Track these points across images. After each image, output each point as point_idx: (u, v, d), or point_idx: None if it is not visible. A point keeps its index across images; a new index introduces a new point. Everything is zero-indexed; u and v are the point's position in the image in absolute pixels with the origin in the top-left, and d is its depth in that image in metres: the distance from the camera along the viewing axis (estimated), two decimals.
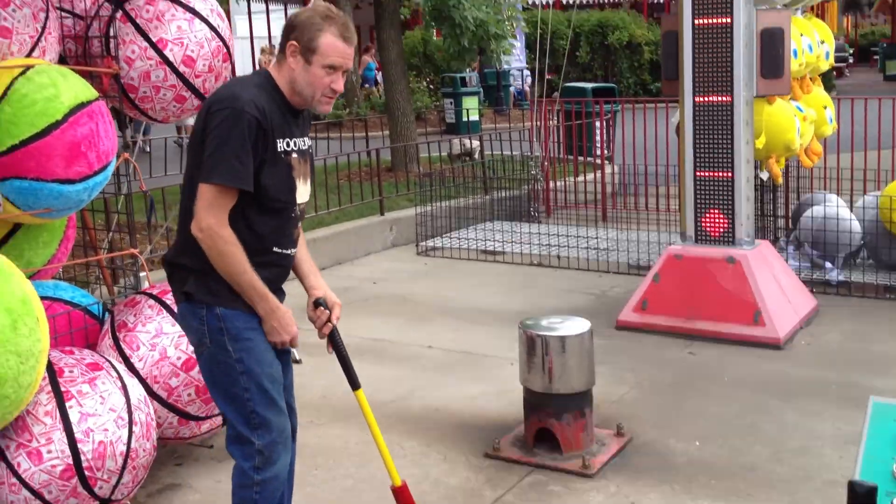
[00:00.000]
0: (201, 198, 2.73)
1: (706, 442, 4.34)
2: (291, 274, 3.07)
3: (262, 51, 22.98)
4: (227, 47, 4.53)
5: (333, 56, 2.79)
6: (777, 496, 3.79)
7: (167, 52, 4.28)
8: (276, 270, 2.95)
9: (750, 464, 4.10)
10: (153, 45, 4.26)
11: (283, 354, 3.06)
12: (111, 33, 4.25)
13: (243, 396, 2.85)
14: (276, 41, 28.16)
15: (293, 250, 3.00)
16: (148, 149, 11.77)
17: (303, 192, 2.94)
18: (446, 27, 11.72)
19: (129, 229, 4.73)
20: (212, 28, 4.41)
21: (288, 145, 2.83)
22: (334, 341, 3.03)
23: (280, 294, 2.98)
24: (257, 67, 22.57)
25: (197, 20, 4.35)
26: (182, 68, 4.31)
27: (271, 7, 29.06)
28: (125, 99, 4.37)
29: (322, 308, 2.99)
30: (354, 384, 3.12)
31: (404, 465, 4.13)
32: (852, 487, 1.63)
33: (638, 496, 3.82)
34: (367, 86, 21.81)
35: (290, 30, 2.84)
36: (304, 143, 2.94)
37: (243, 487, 2.93)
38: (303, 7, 2.93)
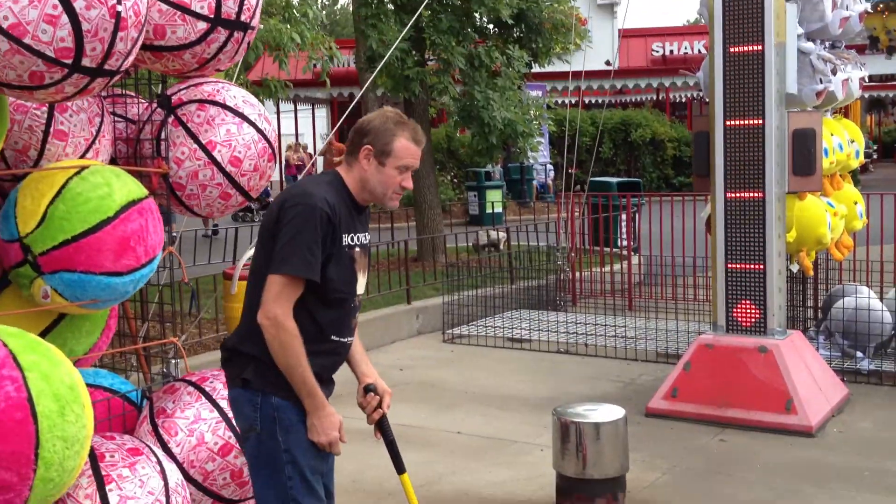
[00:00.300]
0: (270, 288, 2.84)
1: None
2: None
3: (289, 147, 23.57)
4: (273, 148, 4.73)
5: (406, 158, 2.97)
6: None
7: (215, 153, 4.48)
8: (333, 359, 3.06)
9: None
10: (202, 147, 4.46)
11: None
12: (162, 136, 4.46)
13: (286, 484, 2.92)
14: (303, 138, 28.78)
15: (350, 339, 3.12)
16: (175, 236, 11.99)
17: (361, 284, 3.08)
18: (475, 127, 12.01)
19: (164, 317, 4.84)
20: (259, 131, 4.61)
21: (352, 240, 2.97)
22: (382, 428, 3.09)
23: (331, 384, 3.07)
24: (283, 163, 23.13)
25: (245, 124, 4.55)
26: (229, 168, 4.50)
27: (299, 107, 29.88)
28: (172, 196, 4.56)
29: (372, 394, 3.06)
30: (400, 468, 3.18)
31: None
32: None
33: None
34: None
35: (363, 134, 2.99)
36: (366, 237, 3.09)
37: None
38: (368, 114, 3.10)
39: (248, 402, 2.95)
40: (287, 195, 2.96)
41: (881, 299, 7.38)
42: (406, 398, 6.73)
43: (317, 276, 2.85)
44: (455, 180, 22.23)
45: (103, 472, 3.65)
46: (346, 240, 2.94)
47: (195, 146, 4.49)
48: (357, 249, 3.00)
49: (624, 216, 11.41)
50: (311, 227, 2.83)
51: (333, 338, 3.00)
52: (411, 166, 3.00)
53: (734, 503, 4.61)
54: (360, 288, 3.08)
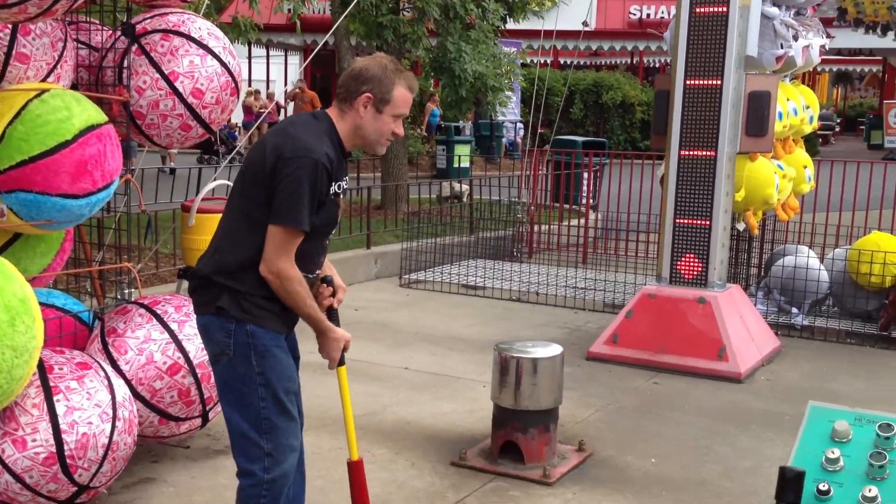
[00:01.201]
0: (272, 240, 2.95)
1: (662, 460, 4.56)
2: None
3: (249, 94, 23.60)
4: (236, 82, 4.81)
5: (403, 106, 3.07)
6: None
7: (177, 84, 4.56)
8: None
9: (701, 479, 4.31)
10: (165, 77, 4.54)
11: (295, 361, 3.27)
12: (125, 64, 4.54)
13: (258, 405, 3.03)
14: (275, 85, 28.47)
15: (318, 273, 3.24)
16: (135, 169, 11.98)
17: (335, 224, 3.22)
18: (445, 78, 12.07)
19: (120, 246, 4.96)
20: (222, 64, 4.69)
21: (339, 187, 3.08)
22: (330, 319, 3.23)
23: (295, 314, 3.15)
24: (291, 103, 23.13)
25: (209, 56, 4.63)
26: (191, 99, 4.59)
27: (272, 53, 29.65)
28: (132, 125, 4.65)
29: (326, 285, 3.22)
30: (340, 361, 3.26)
31: (373, 469, 4.32)
32: (782, 472, 1.83)
33: (592, 503, 4.02)
34: (430, 133, 22.23)
35: (361, 82, 3.01)
36: (346, 182, 3.19)
37: (251, 486, 3.06)
38: (360, 58, 3.13)
39: (220, 328, 3.02)
40: (287, 145, 2.94)
41: (821, 260, 7.65)
42: (359, 336, 6.90)
43: (308, 229, 2.96)
44: (425, 134, 22.30)
45: (51, 384, 3.82)
46: (335, 188, 3.04)
47: (157, 76, 4.58)
48: (341, 196, 3.12)
49: (587, 174, 11.60)
50: (312, 182, 2.91)
51: (301, 272, 3.07)
52: (405, 114, 3.10)
53: (660, 440, 4.86)
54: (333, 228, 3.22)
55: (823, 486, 1.82)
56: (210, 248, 3.15)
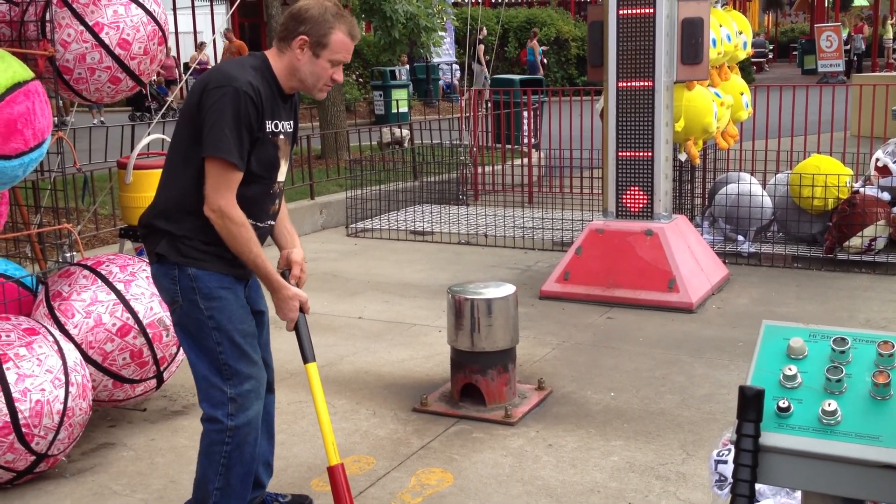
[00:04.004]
0: (209, 177, 2.86)
1: (620, 393, 4.61)
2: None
3: (225, 36, 23.03)
4: (163, 31, 4.65)
5: (342, 52, 2.97)
6: (683, 435, 4.07)
7: (103, 35, 4.41)
8: None
9: (660, 409, 4.37)
10: (89, 29, 4.38)
11: (259, 315, 3.22)
12: (47, 17, 4.36)
13: (215, 350, 2.98)
14: (202, 36, 27.84)
15: (270, 223, 3.16)
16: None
17: (283, 171, 3.11)
18: (377, 20, 11.88)
19: (58, 207, 4.81)
20: (147, 13, 4.53)
21: (276, 126, 2.97)
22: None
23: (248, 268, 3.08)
24: (220, 52, 22.60)
25: (133, 5, 4.47)
26: (118, 51, 4.44)
27: (197, 3, 28.85)
28: (60, 80, 4.49)
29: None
30: (306, 358, 3.15)
31: (334, 420, 4.30)
32: (742, 391, 1.83)
33: (555, 439, 4.06)
34: (534, 72, 22.03)
35: (299, 22, 2.92)
36: (290, 125, 3.09)
37: (215, 433, 3.02)
38: (305, 1, 2.97)
39: (165, 275, 3.00)
40: (209, 78, 2.91)
41: (764, 187, 7.74)
42: (310, 287, 6.77)
43: (242, 165, 2.88)
44: (360, 80, 22.00)
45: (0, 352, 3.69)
46: (270, 126, 2.94)
47: (81, 28, 4.41)
48: (281, 136, 3.01)
49: (526, 113, 11.55)
50: (236, 110, 2.82)
51: (250, 221, 2.99)
52: (344, 60, 3.00)
53: (617, 372, 4.91)
54: (282, 175, 3.11)
55: (783, 403, 1.84)
56: (154, 195, 3.11)
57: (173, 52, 23.05)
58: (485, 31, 23.65)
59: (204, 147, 2.85)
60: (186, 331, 3.04)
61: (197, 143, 2.88)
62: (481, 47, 23.14)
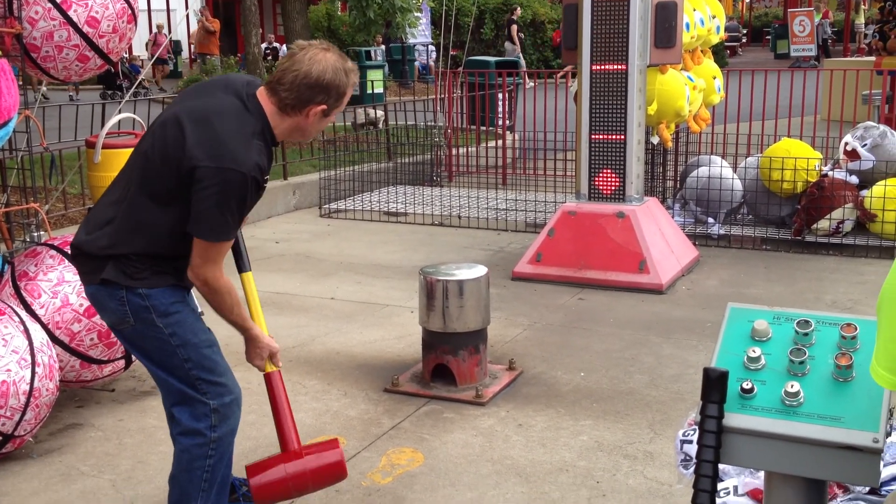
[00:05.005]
0: (198, 250, 2.73)
1: (590, 373, 4.64)
2: None
3: (201, 13, 22.77)
4: (132, 9, 4.59)
5: (345, 104, 2.88)
6: (651, 415, 4.11)
7: (71, 13, 4.35)
8: None
9: (629, 389, 4.41)
10: (57, 6, 4.32)
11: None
12: None
13: (185, 367, 2.87)
14: (175, 14, 27.54)
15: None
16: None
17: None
18: (352, 0, 11.78)
19: (25, 186, 4.75)
20: None
21: (266, 181, 2.82)
22: (240, 260, 3.15)
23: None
24: (195, 30, 22.30)
25: None
26: (86, 29, 4.38)
27: None
28: (27, 58, 4.42)
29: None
30: (243, 268, 3.15)
31: (305, 401, 4.30)
32: (706, 373, 1.85)
33: (525, 419, 4.08)
34: None
35: (317, 92, 2.76)
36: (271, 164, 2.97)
37: (197, 447, 2.92)
38: (315, 64, 2.76)
39: (110, 296, 2.82)
40: (211, 150, 2.67)
41: (734, 170, 7.80)
42: (281, 268, 6.83)
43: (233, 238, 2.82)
44: None
45: None
46: (262, 183, 2.80)
47: (49, 5, 4.36)
48: (265, 185, 2.87)
49: (501, 95, 11.53)
50: (241, 196, 2.71)
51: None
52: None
53: (587, 353, 4.94)
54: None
55: (747, 385, 1.86)
56: (100, 216, 2.86)
57: (165, 30, 22.80)
58: (518, 11, 23.73)
59: (197, 227, 2.70)
60: (147, 351, 2.90)
61: (180, 196, 2.72)
62: (514, 27, 23.14)
